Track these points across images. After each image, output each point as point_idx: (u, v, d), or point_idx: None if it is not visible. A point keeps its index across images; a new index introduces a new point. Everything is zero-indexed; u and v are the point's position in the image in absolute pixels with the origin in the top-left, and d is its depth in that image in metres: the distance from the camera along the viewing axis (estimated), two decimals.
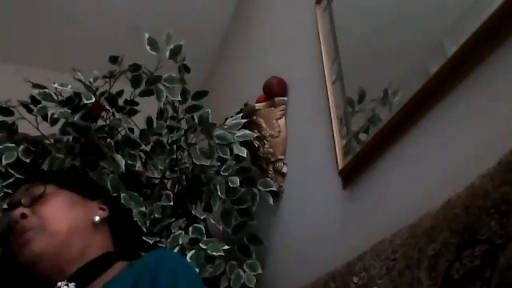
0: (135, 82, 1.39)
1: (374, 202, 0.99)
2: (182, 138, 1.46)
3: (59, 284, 0.87)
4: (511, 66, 0.69)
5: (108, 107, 1.34)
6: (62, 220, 0.93)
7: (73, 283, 0.87)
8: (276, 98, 1.50)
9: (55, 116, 1.29)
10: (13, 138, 1.33)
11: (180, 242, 1.24)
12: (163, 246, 1.27)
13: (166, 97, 1.37)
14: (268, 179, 1.40)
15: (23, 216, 0.92)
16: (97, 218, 0.97)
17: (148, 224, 1.29)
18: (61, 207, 0.95)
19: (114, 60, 1.36)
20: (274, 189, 1.39)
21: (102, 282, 0.88)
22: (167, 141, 1.45)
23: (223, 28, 2.32)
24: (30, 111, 1.36)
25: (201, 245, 1.22)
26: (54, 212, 0.94)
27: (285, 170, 1.44)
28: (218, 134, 1.36)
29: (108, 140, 1.32)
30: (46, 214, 0.93)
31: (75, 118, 1.30)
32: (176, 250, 1.23)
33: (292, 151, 1.44)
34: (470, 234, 0.57)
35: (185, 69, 1.45)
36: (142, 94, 1.39)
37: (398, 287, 0.70)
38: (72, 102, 1.31)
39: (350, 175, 1.07)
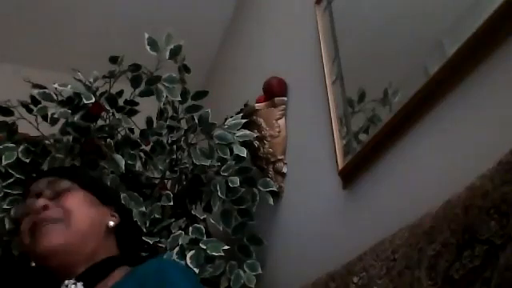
0: (135, 82, 1.39)
1: (374, 202, 0.99)
2: (182, 138, 1.46)
3: (67, 282, 0.88)
4: (511, 66, 0.69)
5: (108, 107, 1.35)
6: (82, 216, 0.95)
7: (81, 282, 0.88)
8: (276, 98, 1.50)
9: (55, 116, 1.29)
10: (13, 138, 1.33)
11: (180, 242, 1.24)
12: (163, 246, 1.27)
13: (166, 97, 1.37)
14: (268, 179, 1.40)
15: (45, 208, 0.93)
16: (111, 223, 0.98)
17: (148, 224, 1.30)
18: (84, 203, 0.97)
19: (113, 60, 1.36)
20: (274, 189, 1.39)
21: (105, 284, 0.89)
22: (167, 141, 1.45)
23: (223, 28, 2.32)
24: (29, 111, 1.36)
25: (201, 245, 1.23)
26: (78, 206, 0.95)
27: (285, 170, 1.44)
28: (218, 134, 1.36)
29: (108, 140, 1.32)
30: (69, 207, 0.94)
31: (75, 118, 1.30)
32: (176, 250, 1.23)
33: (292, 151, 1.44)
34: (469, 234, 0.57)
35: (185, 69, 1.45)
36: (142, 94, 1.39)
37: (398, 287, 0.70)
38: (72, 102, 1.31)
39: (350, 175, 1.07)
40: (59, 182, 0.99)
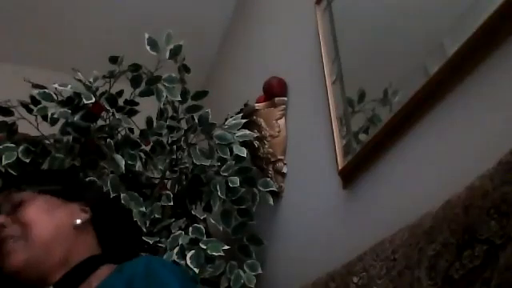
0: (135, 82, 1.39)
1: (374, 202, 0.99)
2: (182, 138, 1.46)
3: None
4: (511, 66, 0.69)
5: (108, 107, 1.34)
6: (42, 226, 0.91)
7: None
8: (276, 98, 1.50)
9: (55, 116, 1.29)
10: (13, 137, 1.33)
11: (180, 242, 1.24)
12: (163, 246, 1.27)
13: (166, 97, 1.37)
14: (268, 179, 1.40)
15: (2, 226, 0.91)
16: (78, 221, 0.94)
17: (148, 224, 1.30)
18: (40, 213, 0.93)
19: (113, 60, 1.36)
20: (274, 189, 1.39)
21: (89, 285, 0.87)
22: (167, 141, 1.45)
23: (223, 28, 2.32)
24: (29, 111, 1.36)
25: (201, 245, 1.22)
26: (33, 218, 0.92)
27: (285, 170, 1.44)
28: (218, 134, 1.36)
29: (108, 140, 1.32)
30: (25, 221, 0.91)
31: (75, 118, 1.30)
32: (176, 250, 1.23)
33: (292, 151, 1.44)
34: (469, 234, 0.57)
35: (185, 69, 1.45)
36: (142, 94, 1.39)
37: (398, 287, 0.70)
38: (72, 102, 1.31)
39: (350, 175, 1.07)
40: (14, 195, 0.95)
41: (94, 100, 1.28)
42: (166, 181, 1.47)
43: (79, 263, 0.91)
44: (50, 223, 0.92)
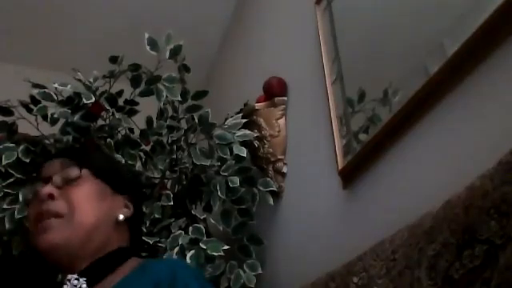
0: (135, 82, 1.39)
1: (374, 202, 0.99)
2: (182, 138, 1.46)
3: (69, 277, 0.85)
4: (511, 66, 0.69)
5: (108, 107, 1.35)
6: (88, 212, 0.90)
7: (84, 278, 0.85)
8: (276, 98, 1.50)
9: (55, 116, 1.29)
10: (13, 137, 1.33)
11: (180, 242, 1.24)
12: (163, 245, 1.27)
13: (166, 97, 1.37)
14: (268, 179, 1.40)
15: (51, 197, 0.89)
16: (121, 217, 0.93)
17: (148, 224, 1.30)
18: (91, 198, 0.91)
19: (113, 60, 1.36)
20: (274, 189, 1.39)
21: (113, 279, 0.86)
22: (167, 141, 1.45)
23: (223, 28, 2.32)
24: (29, 111, 1.36)
25: (201, 245, 1.22)
26: (84, 200, 0.90)
27: (285, 170, 1.44)
28: (218, 134, 1.36)
29: (108, 140, 1.32)
30: (75, 201, 0.89)
31: (75, 118, 1.30)
32: (176, 250, 1.23)
33: (292, 151, 1.44)
34: (469, 234, 0.57)
35: (185, 69, 1.45)
36: (142, 94, 1.39)
37: (398, 287, 0.70)
38: (72, 102, 1.31)
39: (350, 175, 1.07)
40: (70, 169, 0.93)
41: (93, 100, 1.28)
42: (166, 181, 1.47)
43: (108, 253, 0.90)
44: (96, 211, 0.91)
